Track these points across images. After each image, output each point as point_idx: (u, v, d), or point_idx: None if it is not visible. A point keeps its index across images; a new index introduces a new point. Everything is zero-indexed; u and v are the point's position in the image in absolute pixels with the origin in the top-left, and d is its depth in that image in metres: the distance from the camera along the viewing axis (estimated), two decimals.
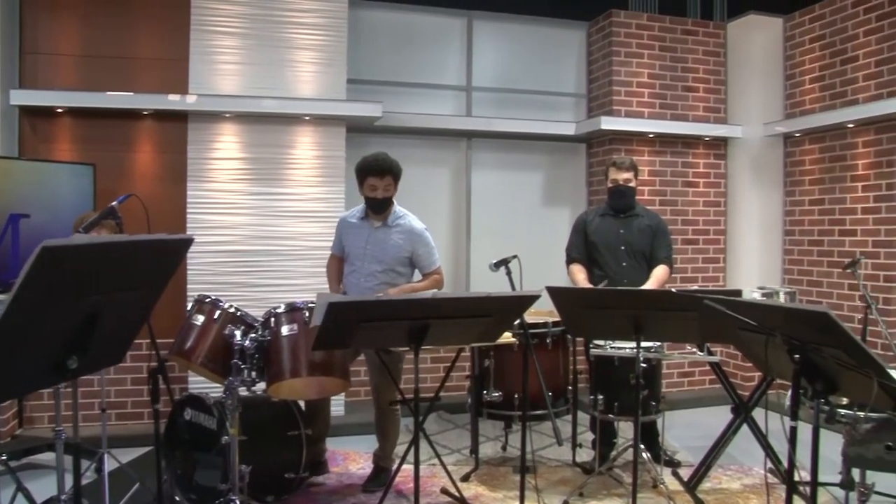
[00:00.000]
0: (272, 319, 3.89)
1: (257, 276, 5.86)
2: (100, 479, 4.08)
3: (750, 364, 4.55)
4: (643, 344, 4.27)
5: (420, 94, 6.91)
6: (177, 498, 4.06)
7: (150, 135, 5.77)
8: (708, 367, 6.24)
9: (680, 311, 3.36)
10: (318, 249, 5.65)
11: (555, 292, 3.55)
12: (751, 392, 4.69)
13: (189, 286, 5.64)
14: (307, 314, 3.83)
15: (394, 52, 6.82)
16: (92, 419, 5.23)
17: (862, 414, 3.10)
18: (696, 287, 6.28)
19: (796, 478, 2.60)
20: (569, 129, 7.04)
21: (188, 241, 2.72)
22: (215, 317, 3.96)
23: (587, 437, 5.22)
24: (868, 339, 5.38)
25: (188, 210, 5.75)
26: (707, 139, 7.20)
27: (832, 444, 3.43)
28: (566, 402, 4.95)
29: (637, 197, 5.30)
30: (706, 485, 4.68)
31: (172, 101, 5.61)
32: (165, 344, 4.00)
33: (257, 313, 4.16)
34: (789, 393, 3.55)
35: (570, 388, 4.97)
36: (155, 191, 5.67)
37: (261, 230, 5.89)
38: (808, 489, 4.38)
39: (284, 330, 3.82)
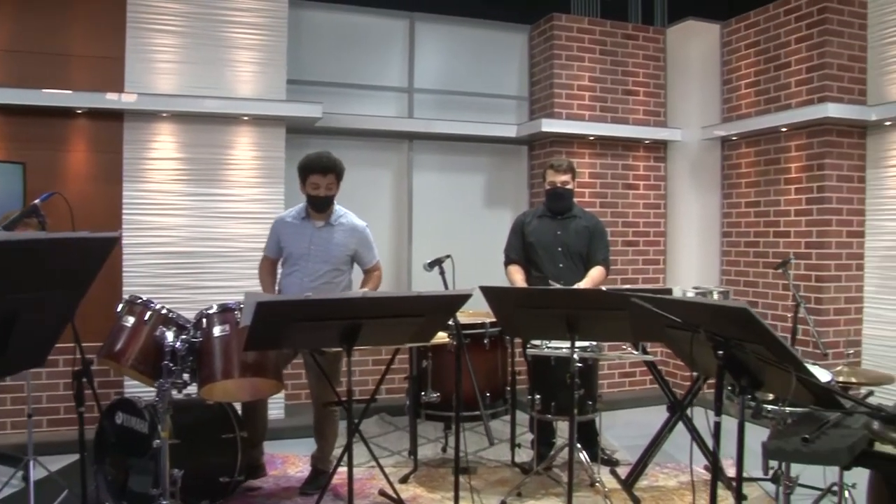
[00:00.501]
0: (204, 320, 3.83)
1: (195, 278, 5.78)
2: (26, 487, 3.96)
3: None
4: (580, 343, 4.34)
5: (362, 95, 6.88)
6: None
7: (84, 134, 5.63)
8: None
9: (612, 311, 3.39)
10: (258, 251, 5.51)
11: (488, 292, 3.56)
12: (686, 390, 4.76)
13: (125, 288, 5.52)
14: (239, 315, 3.78)
15: (335, 52, 6.79)
16: (21, 426, 5.08)
17: (788, 409, 3.17)
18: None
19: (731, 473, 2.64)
20: (510, 132, 7.08)
21: (113, 240, 2.65)
22: (146, 318, 3.88)
23: (528, 437, 5.24)
24: (799, 337, 5.50)
25: (124, 211, 5.64)
26: (647, 142, 7.30)
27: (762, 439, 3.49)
28: (505, 403, 4.96)
29: (578, 199, 5.36)
30: (643, 483, 4.74)
31: (110, 99, 5.49)
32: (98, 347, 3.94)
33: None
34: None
35: (508, 388, 4.98)
36: (89, 191, 5.56)
37: (199, 231, 5.81)
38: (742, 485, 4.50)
39: (216, 331, 3.77)
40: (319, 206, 4.46)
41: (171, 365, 3.66)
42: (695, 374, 4.70)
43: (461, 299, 3.26)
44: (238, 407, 4.43)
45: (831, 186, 6.17)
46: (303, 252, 4.50)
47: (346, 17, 6.83)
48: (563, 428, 5.41)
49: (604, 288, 4.06)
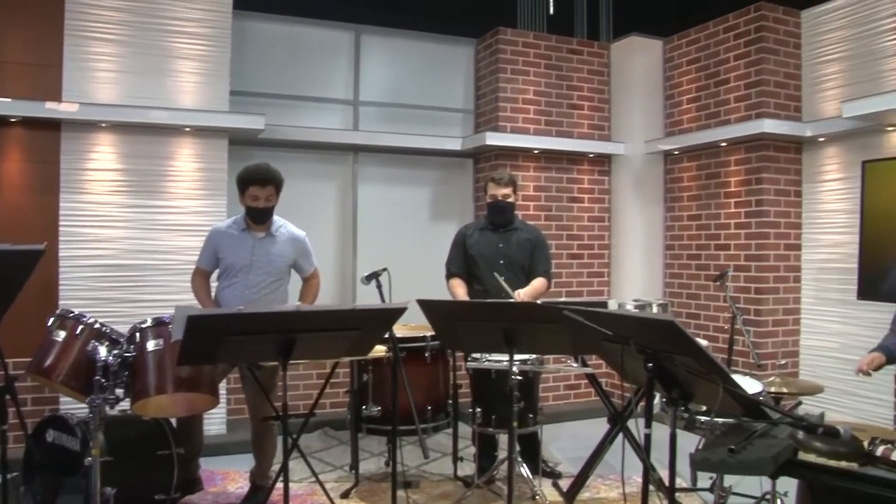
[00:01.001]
0: (137, 335, 3.75)
1: (135, 292, 5.66)
2: None
3: None
4: (521, 357, 4.36)
5: (306, 107, 6.84)
6: None
7: (19, 143, 5.47)
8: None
9: (548, 324, 3.40)
10: None
11: (425, 305, 3.55)
12: (626, 402, 4.80)
13: (62, 301, 5.38)
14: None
15: (280, 64, 6.74)
16: None
17: (721, 420, 3.21)
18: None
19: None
20: (455, 145, 7.10)
21: (38, 252, 2.60)
22: (77, 332, 3.78)
23: (472, 450, 5.22)
24: (737, 348, 5.60)
25: (61, 222, 5.51)
26: (591, 156, 7.37)
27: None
28: (447, 416, 4.95)
29: (523, 212, 5.38)
30: (584, 495, 4.76)
31: (49, 108, 5.34)
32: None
33: None
34: (656, 401, 3.66)
35: (450, 401, 4.97)
36: (24, 201, 5.43)
37: (139, 244, 5.71)
38: (682, 496, 4.55)
39: (150, 345, 3.69)
40: (259, 217, 4.42)
41: (103, 380, 3.57)
42: (635, 386, 4.75)
43: (396, 313, 3.24)
44: (174, 422, 4.35)
45: (769, 200, 6.30)
46: (244, 263, 4.45)
47: (291, 29, 6.79)
48: (505, 441, 5.43)
49: (539, 301, 4.08)
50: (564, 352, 4.31)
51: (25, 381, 4.55)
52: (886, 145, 5.63)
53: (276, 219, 4.56)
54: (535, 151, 7.10)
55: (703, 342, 5.30)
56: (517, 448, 4.85)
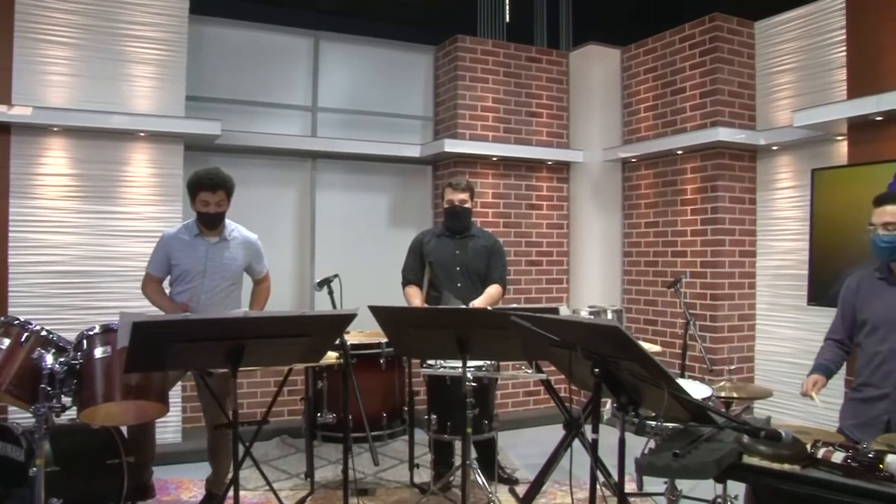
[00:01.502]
0: (85, 342, 3.68)
1: (88, 299, 5.57)
2: None
3: None
4: (475, 363, 4.35)
5: (265, 113, 6.80)
6: None
7: None
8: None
9: (500, 329, 3.39)
10: None
11: (377, 311, 3.53)
12: (582, 407, 4.81)
13: (10, 309, 5.26)
14: None
15: (238, 69, 6.69)
16: None
17: (671, 426, 3.23)
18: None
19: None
20: (414, 152, 7.09)
21: None
22: (23, 340, 3.69)
23: (429, 457, 5.21)
24: (694, 353, 5.66)
25: (10, 228, 5.40)
26: (550, 163, 7.41)
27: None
28: (403, 423, 4.92)
29: (481, 219, 5.39)
30: (540, 500, 4.76)
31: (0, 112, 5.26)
32: None
33: None
34: (608, 407, 3.68)
35: (405, 408, 4.95)
36: None
37: (91, 250, 5.62)
38: (637, 500, 4.57)
39: (98, 352, 3.62)
40: (210, 223, 4.39)
41: (49, 389, 3.50)
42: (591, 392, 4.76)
43: (346, 319, 3.22)
44: (125, 430, 4.28)
45: (724, 208, 6.38)
46: (199, 269, 4.41)
47: (249, 35, 6.75)
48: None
49: (489, 307, 4.08)
50: (517, 358, 4.31)
51: None
52: (836, 154, 5.74)
53: (228, 223, 4.53)
54: (494, 158, 7.12)
55: (656, 348, 5.38)
56: (474, 454, 4.89)
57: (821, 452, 2.41)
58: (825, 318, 5.54)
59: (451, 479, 4.79)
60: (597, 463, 2.65)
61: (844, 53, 5.51)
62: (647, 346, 4.97)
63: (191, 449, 5.60)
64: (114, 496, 4.05)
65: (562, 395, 4.93)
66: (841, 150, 5.66)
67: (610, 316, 4.84)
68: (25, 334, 3.72)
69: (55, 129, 5.52)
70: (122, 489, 4.06)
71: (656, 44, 7.06)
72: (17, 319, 3.81)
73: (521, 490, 4.83)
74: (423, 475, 5.14)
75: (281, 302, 6.39)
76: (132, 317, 2.77)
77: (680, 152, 6.70)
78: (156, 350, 3.01)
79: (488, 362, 4.46)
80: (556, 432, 5.07)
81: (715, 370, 4.96)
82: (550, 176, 7.47)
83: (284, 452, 5.93)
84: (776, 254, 6.35)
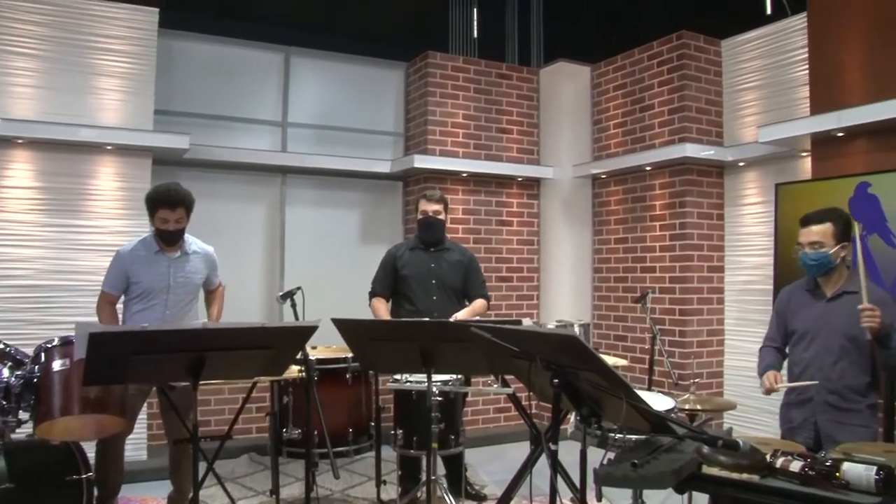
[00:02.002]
0: (43, 354, 3.62)
1: (52, 313, 5.49)
2: None
3: None
4: (442, 377, 4.33)
5: (234, 128, 6.78)
6: None
7: None
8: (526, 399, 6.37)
9: (464, 343, 3.37)
10: None
11: (340, 324, 3.50)
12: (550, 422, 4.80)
13: None
14: None
15: (208, 84, 6.67)
16: None
17: (634, 437, 3.23)
18: None
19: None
20: (384, 167, 7.09)
21: None
22: None
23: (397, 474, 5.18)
24: (662, 368, 5.67)
25: None
26: (520, 179, 7.44)
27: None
28: (370, 439, 4.88)
29: (451, 235, 5.37)
30: None
31: None
32: None
33: None
34: (572, 420, 3.67)
35: (372, 423, 4.91)
36: None
37: (57, 264, 5.55)
38: None
39: (56, 365, 3.55)
40: (169, 239, 4.33)
41: (4, 403, 3.44)
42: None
43: (308, 330, 3.19)
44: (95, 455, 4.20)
45: (692, 223, 6.43)
46: (163, 285, 4.35)
47: (219, 49, 6.74)
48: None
49: (452, 319, 4.07)
50: (483, 372, 4.29)
51: None
52: (801, 170, 5.80)
53: (186, 236, 4.48)
54: (464, 174, 7.13)
55: (623, 362, 5.38)
56: (443, 471, 4.86)
57: (779, 462, 2.42)
58: None
59: (418, 494, 4.74)
60: (556, 474, 2.62)
61: (807, 71, 5.59)
62: (613, 360, 4.99)
63: (156, 466, 5.52)
64: None
65: (532, 411, 4.93)
66: (806, 166, 5.72)
67: (577, 330, 4.84)
68: None
69: (20, 141, 5.46)
70: None
71: (625, 61, 7.13)
72: None
73: None
74: (391, 492, 5.09)
75: (250, 317, 6.34)
76: (88, 327, 2.72)
77: (648, 168, 6.75)
78: (114, 362, 2.95)
79: (455, 376, 4.43)
80: (527, 449, 5.07)
81: (681, 385, 4.97)
82: (521, 192, 7.49)
83: (252, 470, 5.86)
84: (744, 269, 6.40)
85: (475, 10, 8.07)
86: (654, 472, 2.38)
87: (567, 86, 7.54)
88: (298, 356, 3.74)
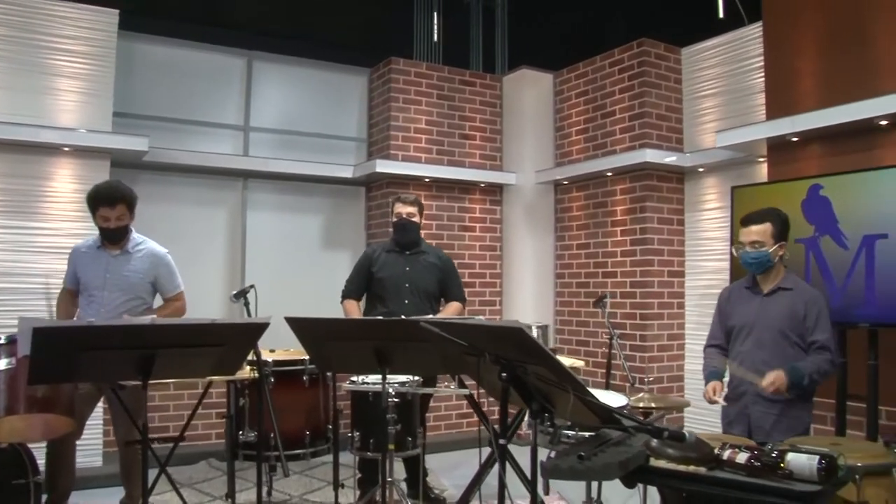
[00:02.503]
0: None
1: (6, 317, 5.36)
2: None
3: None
4: (399, 378, 4.31)
5: (196, 131, 6.73)
6: None
7: None
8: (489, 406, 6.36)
9: (418, 342, 3.36)
10: None
11: (294, 323, 3.47)
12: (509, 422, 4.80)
13: None
14: None
15: (170, 87, 6.62)
16: None
17: (587, 434, 3.24)
18: None
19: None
20: (347, 172, 7.07)
21: None
22: None
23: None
24: (620, 372, 5.69)
25: None
26: (483, 185, 7.46)
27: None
28: (327, 441, 4.84)
29: None
30: None
31: None
32: None
33: None
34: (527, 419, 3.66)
35: (329, 426, 4.87)
36: None
37: (11, 266, 5.46)
38: None
39: (1, 364, 3.49)
40: (111, 237, 4.28)
41: None
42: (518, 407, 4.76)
43: (259, 327, 3.15)
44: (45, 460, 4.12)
45: (653, 228, 6.48)
46: (98, 282, 4.30)
47: (180, 53, 6.69)
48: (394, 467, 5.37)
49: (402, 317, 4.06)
50: (438, 371, 4.28)
51: None
52: (759, 175, 5.88)
53: (136, 236, 4.43)
54: (427, 180, 7.13)
55: (579, 363, 5.40)
56: (404, 475, 4.83)
57: (726, 454, 2.45)
58: None
59: (376, 497, 4.71)
60: (504, 469, 2.62)
61: (763, 78, 5.68)
62: (570, 361, 5.01)
63: (111, 472, 5.38)
64: None
65: (494, 417, 4.91)
66: (763, 171, 5.80)
67: (535, 332, 4.85)
68: None
69: None
70: None
71: (587, 68, 7.19)
72: None
73: None
74: (350, 496, 5.05)
75: None
76: (31, 322, 2.67)
77: (609, 174, 6.80)
78: (60, 359, 2.90)
79: (412, 377, 4.41)
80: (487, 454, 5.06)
81: (638, 387, 4.99)
82: (483, 198, 7.51)
83: (210, 475, 5.78)
84: (704, 273, 6.46)
85: (438, 15, 8.10)
86: (600, 465, 2.39)
87: (530, 92, 7.58)
88: (251, 356, 3.70)
